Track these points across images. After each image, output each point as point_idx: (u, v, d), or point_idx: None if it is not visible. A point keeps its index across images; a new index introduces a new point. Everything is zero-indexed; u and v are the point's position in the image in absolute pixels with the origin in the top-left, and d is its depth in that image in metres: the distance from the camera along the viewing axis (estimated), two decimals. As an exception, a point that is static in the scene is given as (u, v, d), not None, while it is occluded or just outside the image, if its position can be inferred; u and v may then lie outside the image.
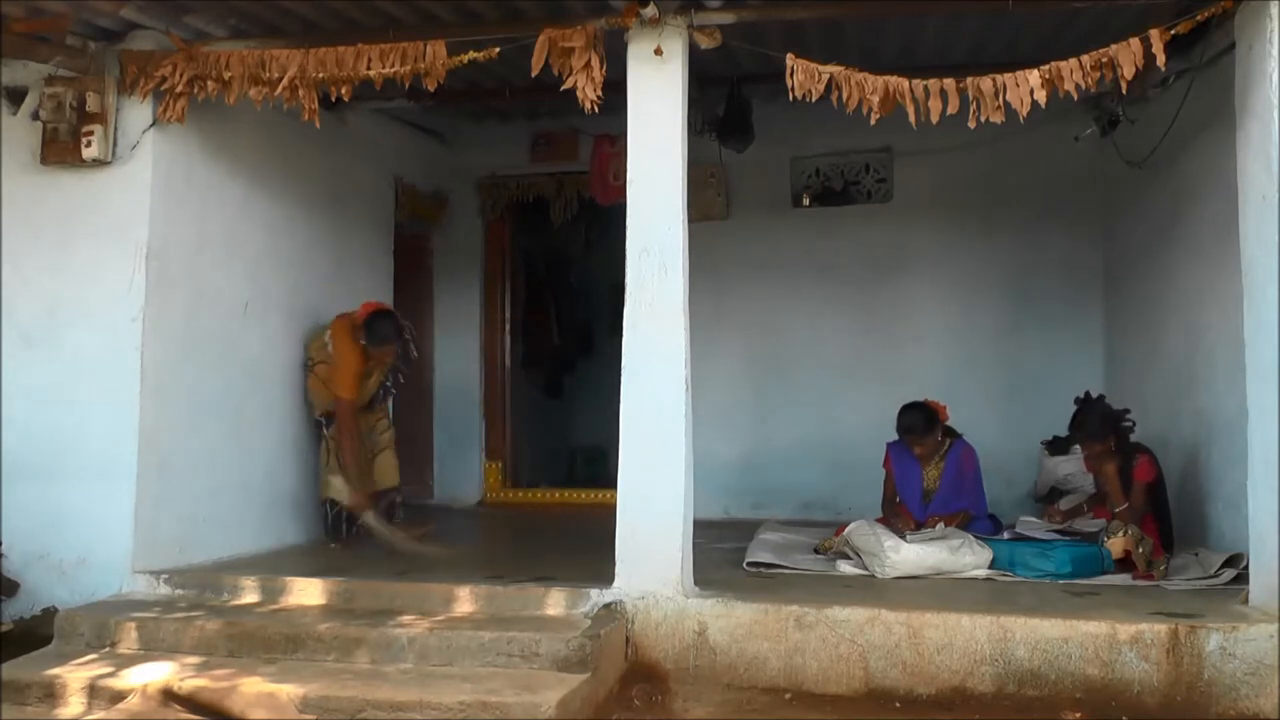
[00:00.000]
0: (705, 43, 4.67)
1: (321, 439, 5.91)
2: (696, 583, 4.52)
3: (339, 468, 5.75)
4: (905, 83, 4.34)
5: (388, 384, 6.09)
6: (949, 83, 4.32)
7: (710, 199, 7.47)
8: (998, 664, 4.02)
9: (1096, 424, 5.20)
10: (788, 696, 4.13)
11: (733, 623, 4.28)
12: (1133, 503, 5.07)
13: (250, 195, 5.70)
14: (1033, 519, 5.69)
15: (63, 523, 4.93)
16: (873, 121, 4.41)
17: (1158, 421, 5.78)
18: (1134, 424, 5.24)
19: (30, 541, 4.91)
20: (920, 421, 5.57)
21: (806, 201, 7.58)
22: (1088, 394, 5.37)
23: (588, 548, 5.08)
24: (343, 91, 4.76)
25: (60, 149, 5.01)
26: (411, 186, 7.52)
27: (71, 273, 5.05)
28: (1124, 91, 4.55)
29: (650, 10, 4.52)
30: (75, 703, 4.00)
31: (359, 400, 5.83)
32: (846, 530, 5.20)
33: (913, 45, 5.77)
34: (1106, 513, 5.23)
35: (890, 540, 4.89)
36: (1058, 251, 7.23)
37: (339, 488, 5.73)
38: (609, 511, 4.59)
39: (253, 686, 3.88)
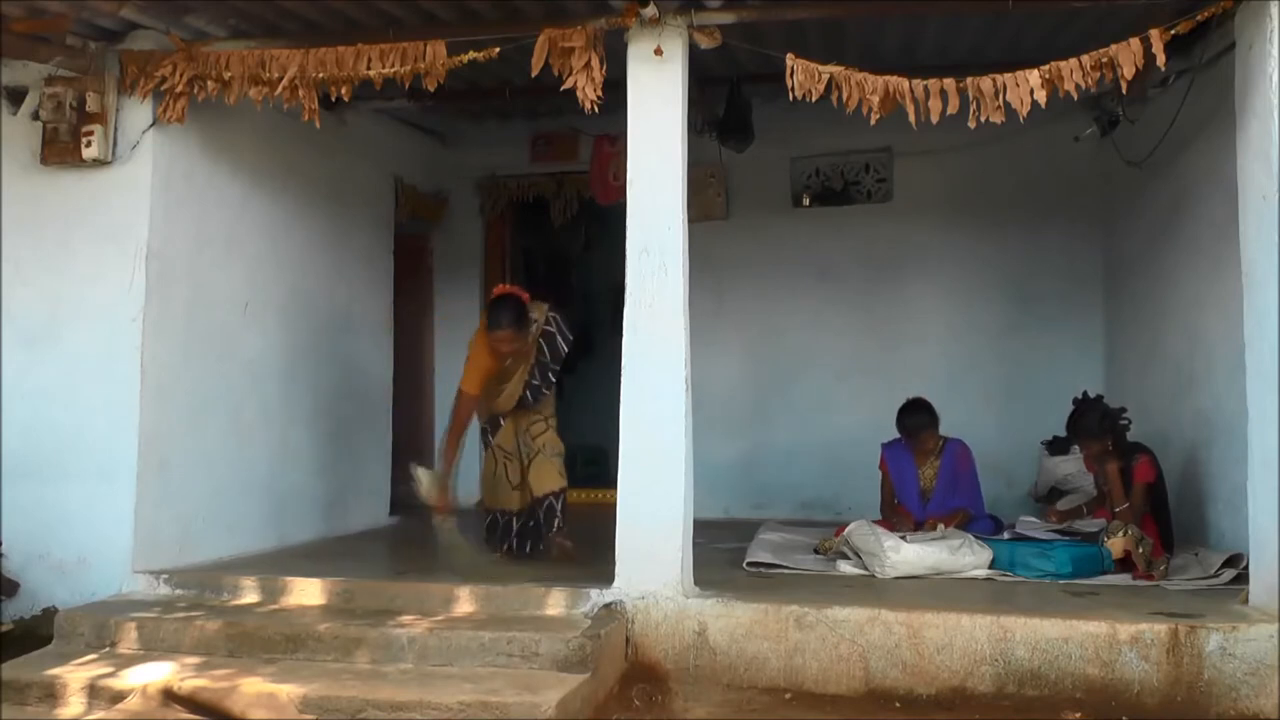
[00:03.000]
0: (705, 43, 4.67)
1: (487, 446, 5.54)
2: (696, 583, 4.52)
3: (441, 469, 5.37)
4: (905, 83, 4.34)
5: (535, 382, 5.38)
6: (949, 83, 4.32)
7: (710, 199, 7.47)
8: (998, 664, 4.02)
9: (1094, 422, 5.21)
10: (788, 696, 4.13)
11: (733, 623, 4.28)
12: (1132, 503, 5.07)
13: (250, 195, 5.70)
14: (1033, 519, 5.69)
15: (63, 523, 4.93)
16: (873, 121, 4.41)
17: (1158, 421, 5.78)
18: (1130, 422, 5.25)
19: (30, 541, 4.91)
20: (928, 418, 5.63)
21: (806, 201, 7.58)
22: (1085, 394, 5.37)
23: (588, 548, 5.08)
24: (343, 91, 4.76)
25: (60, 149, 5.01)
26: (411, 186, 7.52)
27: (71, 273, 5.05)
28: (1124, 91, 4.56)
29: (650, 10, 4.52)
30: (75, 703, 4.00)
31: (493, 401, 5.38)
32: (846, 530, 5.20)
33: (913, 45, 5.77)
34: (1106, 513, 5.23)
35: (890, 540, 4.89)
36: (1058, 251, 7.23)
37: (425, 481, 5.24)
38: (609, 511, 4.59)
39: (253, 686, 3.88)
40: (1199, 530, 5.35)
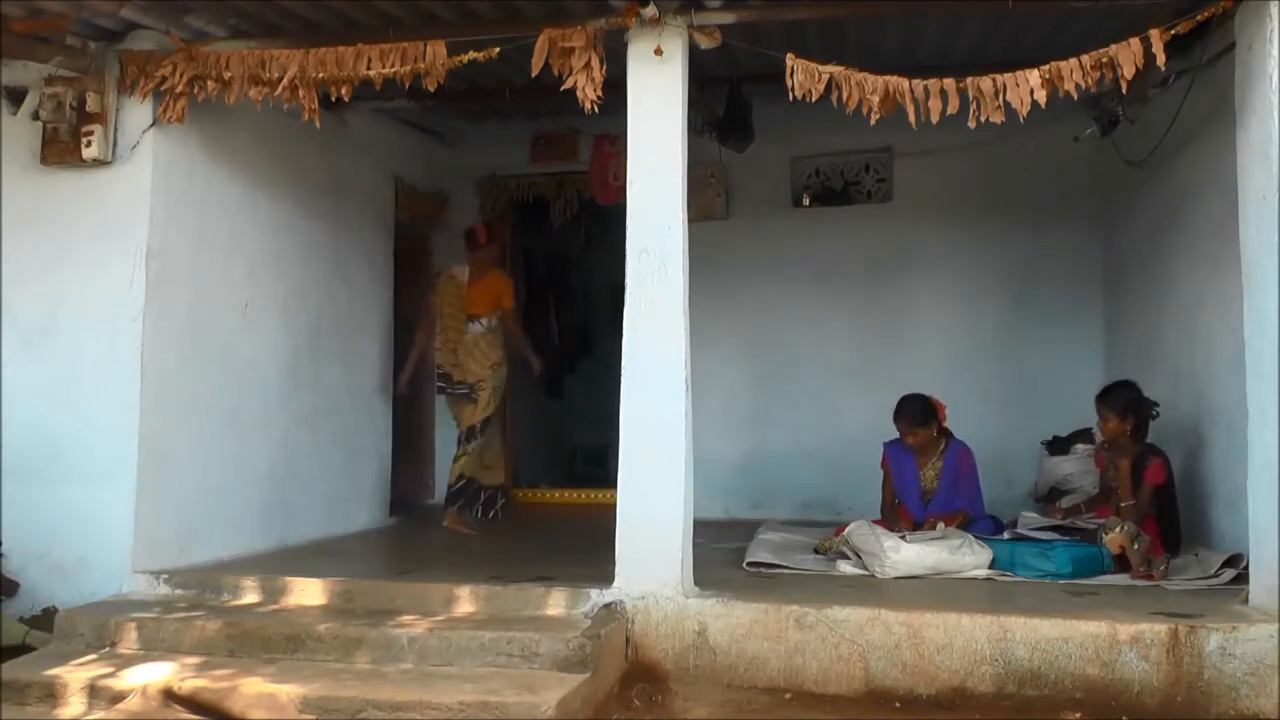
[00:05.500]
0: (705, 43, 4.67)
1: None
2: (696, 583, 4.52)
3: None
4: (905, 83, 4.34)
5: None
6: (949, 83, 4.32)
7: (710, 199, 7.46)
8: (998, 664, 4.02)
9: (1121, 398, 5.25)
10: (788, 696, 4.13)
11: (733, 623, 4.28)
12: (1138, 501, 5.07)
13: (250, 195, 5.70)
14: (1033, 515, 5.69)
15: (63, 523, 4.93)
16: (873, 121, 4.41)
17: (1158, 421, 5.77)
18: (1158, 415, 5.27)
19: (30, 541, 4.91)
20: (917, 410, 5.57)
21: (806, 201, 7.58)
22: (1125, 380, 5.43)
23: (588, 548, 5.08)
24: (343, 91, 4.76)
25: (60, 149, 5.01)
26: (411, 186, 7.52)
27: (71, 273, 5.05)
28: (1124, 91, 4.56)
29: (650, 10, 4.53)
30: (75, 703, 4.00)
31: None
32: (846, 530, 5.20)
33: (913, 45, 5.77)
34: (1109, 511, 5.23)
35: (890, 540, 4.89)
36: (1058, 251, 7.23)
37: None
38: (609, 511, 4.59)
39: (253, 687, 3.89)
40: (1199, 530, 5.35)
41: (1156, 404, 5.28)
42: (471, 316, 6.57)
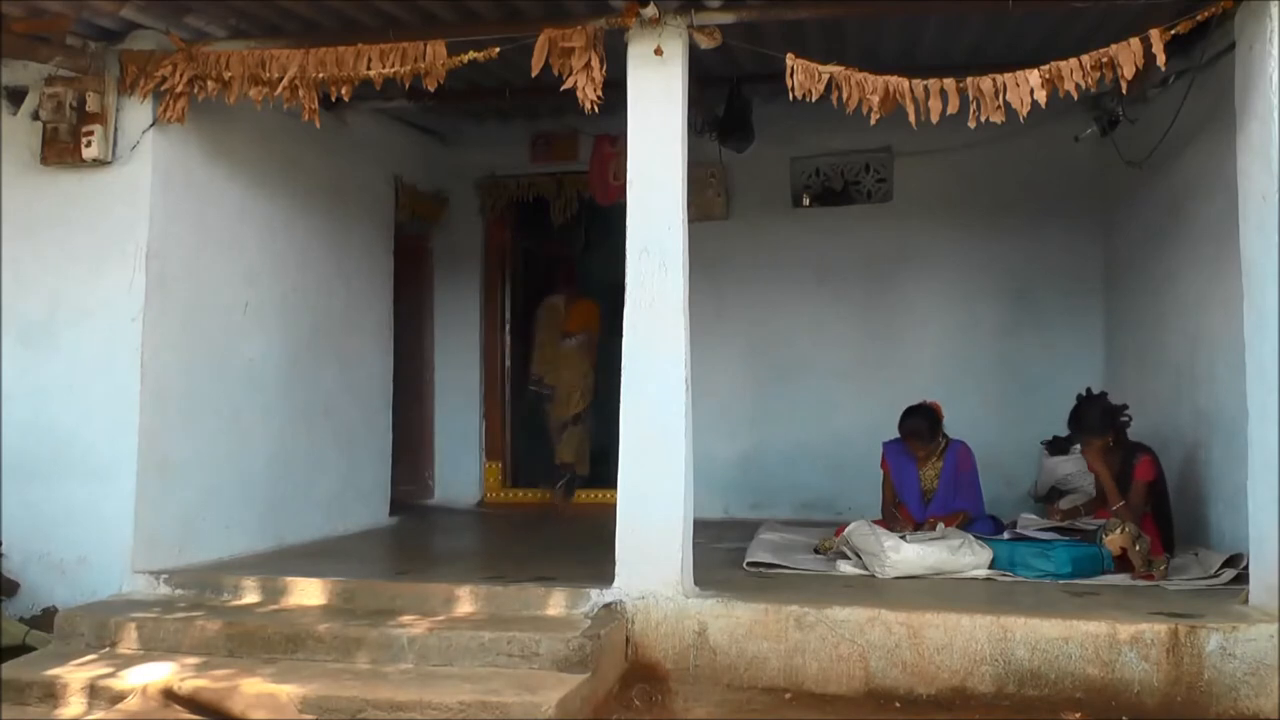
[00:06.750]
0: (705, 43, 4.67)
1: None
2: (696, 583, 4.53)
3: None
4: (905, 83, 4.35)
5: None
6: (949, 83, 4.33)
7: (710, 199, 7.46)
8: (998, 664, 4.02)
9: (1095, 419, 5.20)
10: (788, 696, 4.13)
11: (733, 623, 4.28)
12: (1132, 501, 5.07)
13: (250, 195, 5.70)
14: (1032, 516, 5.69)
15: (63, 522, 4.94)
16: (873, 121, 4.41)
17: (1158, 421, 5.78)
18: (1131, 419, 5.25)
19: (30, 541, 4.92)
20: (925, 427, 5.57)
21: (806, 201, 7.58)
22: (1088, 390, 5.37)
23: (588, 548, 5.08)
24: (343, 91, 4.76)
25: (60, 149, 5.01)
26: (411, 186, 7.52)
27: (71, 273, 5.05)
28: (1124, 91, 4.55)
29: (650, 10, 4.53)
30: (75, 703, 4.00)
31: None
32: (846, 530, 5.20)
33: (913, 45, 5.77)
34: (1107, 513, 5.22)
35: (890, 540, 4.89)
36: (1058, 251, 7.23)
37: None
38: (609, 511, 4.59)
39: (253, 687, 3.89)
40: (1199, 530, 5.35)
41: (1125, 406, 5.26)
42: (565, 334, 7.89)
